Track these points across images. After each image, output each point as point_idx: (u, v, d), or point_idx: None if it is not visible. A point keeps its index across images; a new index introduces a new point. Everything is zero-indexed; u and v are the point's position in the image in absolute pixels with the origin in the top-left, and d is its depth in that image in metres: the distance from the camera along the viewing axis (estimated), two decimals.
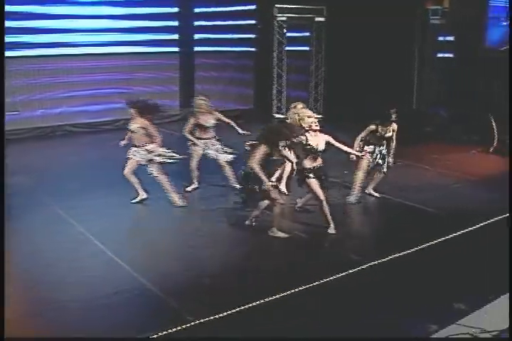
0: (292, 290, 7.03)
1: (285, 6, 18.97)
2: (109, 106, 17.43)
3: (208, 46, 19.08)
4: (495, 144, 14.92)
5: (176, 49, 18.63)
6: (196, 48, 19.04)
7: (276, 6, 18.97)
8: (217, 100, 18.80)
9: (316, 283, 7.26)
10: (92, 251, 8.33)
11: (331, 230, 9.10)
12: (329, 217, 9.13)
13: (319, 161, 9.25)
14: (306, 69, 20.07)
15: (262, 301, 6.77)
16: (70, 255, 8.18)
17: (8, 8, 15.12)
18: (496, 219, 9.52)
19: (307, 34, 19.95)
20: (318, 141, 9.12)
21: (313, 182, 9.09)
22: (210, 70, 19.15)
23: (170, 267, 7.88)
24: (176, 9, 18.37)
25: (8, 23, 15.24)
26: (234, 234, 9.20)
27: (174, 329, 6.15)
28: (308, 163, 9.12)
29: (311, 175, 9.09)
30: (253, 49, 19.85)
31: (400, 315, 6.57)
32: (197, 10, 18.86)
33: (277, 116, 19.46)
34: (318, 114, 19.08)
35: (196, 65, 19.07)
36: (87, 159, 13.78)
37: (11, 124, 15.68)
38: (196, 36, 19.01)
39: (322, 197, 9.08)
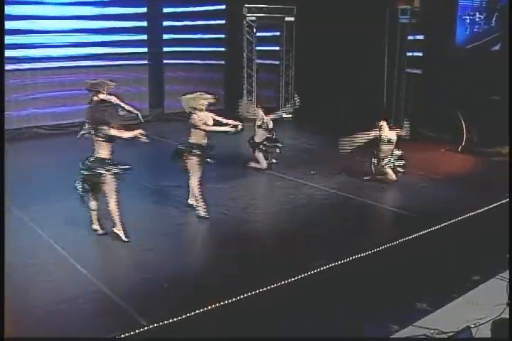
0: (252, 292, 6.97)
1: (255, 5, 18.94)
2: (76, 107, 17.21)
3: (178, 46, 18.92)
4: (463, 143, 14.93)
5: (145, 49, 18.46)
6: (165, 49, 18.87)
7: (246, 5, 18.95)
8: None
9: (277, 284, 7.20)
10: (52, 255, 8.21)
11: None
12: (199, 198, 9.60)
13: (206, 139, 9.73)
14: (276, 69, 20.05)
15: (220, 304, 6.71)
16: (30, 260, 8.07)
17: None
18: (460, 218, 9.50)
19: (277, 34, 19.93)
20: (207, 118, 9.69)
21: (194, 159, 9.56)
22: (180, 71, 19.00)
23: (127, 271, 7.81)
24: (144, 9, 18.20)
25: None
26: (193, 235, 9.11)
27: (128, 334, 6.08)
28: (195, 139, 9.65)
29: (197, 151, 9.53)
30: (223, 49, 19.73)
31: (362, 316, 6.54)
32: (166, 10, 18.69)
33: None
34: (289, 113, 19.10)
35: (165, 65, 18.91)
36: (52, 161, 13.59)
37: None
38: (165, 36, 18.84)
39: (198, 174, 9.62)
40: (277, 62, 20.05)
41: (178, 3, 18.79)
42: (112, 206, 8.54)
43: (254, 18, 19.19)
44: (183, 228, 9.32)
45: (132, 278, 7.57)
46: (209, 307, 6.62)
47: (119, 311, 6.70)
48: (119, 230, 8.65)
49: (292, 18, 19.45)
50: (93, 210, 8.88)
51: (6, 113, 16.03)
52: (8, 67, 16.15)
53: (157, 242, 8.67)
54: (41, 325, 6.43)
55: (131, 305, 6.75)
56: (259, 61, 19.68)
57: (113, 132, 8.28)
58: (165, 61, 18.93)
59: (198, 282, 7.44)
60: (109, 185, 8.46)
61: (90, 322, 6.50)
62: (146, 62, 18.53)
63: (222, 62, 19.79)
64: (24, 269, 7.82)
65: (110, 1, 17.53)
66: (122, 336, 6.06)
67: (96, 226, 8.90)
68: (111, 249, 8.57)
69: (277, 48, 20.02)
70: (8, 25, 15.88)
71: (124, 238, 8.61)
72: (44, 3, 16.59)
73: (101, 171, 8.36)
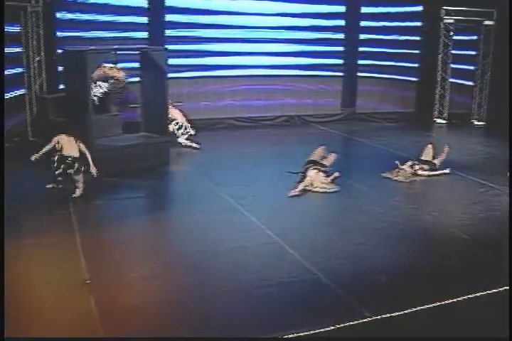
0: (468, 296, 6.78)
1: (453, 8, 18.52)
2: (271, 102, 17.66)
3: (373, 47, 18.86)
4: None
5: (341, 48, 18.54)
6: (361, 49, 18.86)
7: (444, 8, 18.56)
8: (377, 102, 18.75)
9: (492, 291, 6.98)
10: (264, 240, 8.44)
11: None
12: None
13: None
14: (470, 74, 19.50)
15: (434, 304, 6.59)
16: (243, 243, 8.34)
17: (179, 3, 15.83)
18: None
19: (474, 37, 19.37)
20: None
21: None
22: (373, 71, 18.92)
23: (339, 261, 7.80)
24: (343, 8, 18.27)
25: (176, 18, 15.85)
26: (400, 232, 9.02)
27: (351, 323, 6.09)
28: None
29: None
30: (417, 51, 19.40)
31: None
32: (364, 10, 18.67)
33: (438, 120, 19.07)
34: (480, 120, 18.61)
35: (360, 65, 18.91)
36: (251, 152, 14.02)
37: None
38: (361, 36, 18.82)
39: None
40: (472, 67, 19.49)
41: (376, 4, 18.69)
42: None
43: (451, 21, 18.78)
44: (389, 225, 9.25)
45: (346, 268, 7.58)
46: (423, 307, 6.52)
47: (337, 299, 6.75)
48: None
49: (491, 22, 18.83)
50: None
51: (204, 103, 16.81)
52: (208, 60, 16.84)
53: (368, 237, 8.70)
54: (250, 306, 6.60)
55: (350, 295, 6.78)
56: (453, 65, 19.23)
57: None
58: (360, 61, 18.91)
59: (410, 279, 7.36)
60: None
61: (308, 306, 6.57)
62: (341, 61, 18.60)
63: (416, 64, 19.45)
64: (237, 253, 8.06)
65: None
66: (342, 325, 6.07)
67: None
68: (322, 238, 8.66)
69: (473, 53, 19.46)
70: (208, 19, 16.58)
71: None
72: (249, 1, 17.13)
73: None
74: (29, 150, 12.60)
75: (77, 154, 10.39)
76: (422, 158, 12.47)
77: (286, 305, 6.58)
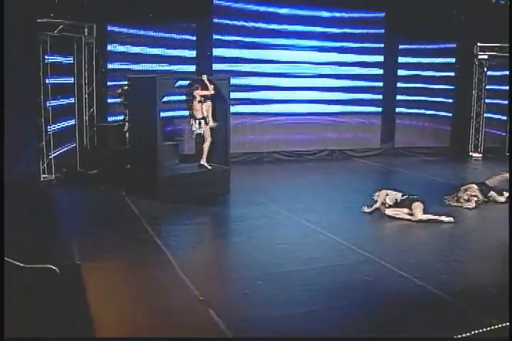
0: None
1: (487, 44, 18.80)
2: (313, 136, 17.80)
3: (409, 83, 19.08)
4: None
5: (381, 84, 18.72)
6: (399, 84, 19.10)
7: (478, 44, 18.85)
8: (414, 137, 18.96)
9: None
10: (359, 258, 8.46)
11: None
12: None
13: None
14: (506, 108, 19.66)
15: None
16: (339, 262, 8.34)
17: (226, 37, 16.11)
18: None
19: (507, 73, 19.57)
20: None
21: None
22: (410, 107, 19.13)
23: (442, 275, 7.81)
24: (381, 45, 18.50)
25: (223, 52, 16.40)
26: (481, 252, 9.06)
27: (477, 331, 6.04)
28: None
29: None
30: (452, 87, 19.61)
31: None
32: (401, 47, 18.94)
33: (474, 155, 19.18)
34: None
35: (398, 100, 19.11)
36: (301, 183, 14.33)
37: None
38: (400, 72, 19.06)
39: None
40: (506, 102, 19.65)
41: (412, 41, 18.88)
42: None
43: (485, 57, 19.04)
44: (471, 245, 9.34)
45: (452, 282, 7.61)
46: None
47: (457, 310, 6.74)
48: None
49: None
50: None
51: (251, 136, 16.90)
52: (252, 94, 16.99)
53: (455, 255, 8.73)
54: (352, 320, 6.54)
55: (468, 306, 6.76)
56: (488, 100, 19.44)
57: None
58: (398, 97, 19.13)
59: None
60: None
61: (430, 318, 6.49)
62: (381, 96, 18.77)
63: (451, 100, 19.63)
64: (336, 269, 8.06)
65: (350, 35, 18.08)
66: (467, 335, 6.01)
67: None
68: (412, 255, 8.68)
69: (507, 88, 19.63)
70: (252, 54, 16.84)
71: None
72: (292, 38, 17.45)
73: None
74: (77, 180, 12.86)
75: None
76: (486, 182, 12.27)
77: (406, 320, 6.51)
